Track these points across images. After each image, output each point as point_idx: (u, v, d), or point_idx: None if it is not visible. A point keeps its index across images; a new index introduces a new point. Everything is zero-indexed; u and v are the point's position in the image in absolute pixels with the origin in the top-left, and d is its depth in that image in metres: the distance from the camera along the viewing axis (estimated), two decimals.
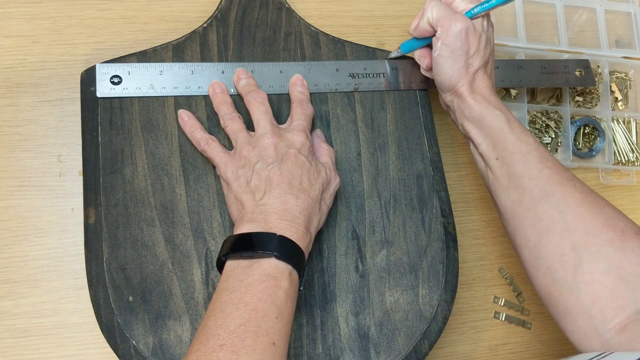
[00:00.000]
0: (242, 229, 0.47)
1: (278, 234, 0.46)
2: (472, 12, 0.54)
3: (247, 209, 0.49)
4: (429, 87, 0.62)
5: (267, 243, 0.46)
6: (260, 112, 0.54)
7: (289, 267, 0.46)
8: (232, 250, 0.46)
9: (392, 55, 0.62)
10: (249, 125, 0.55)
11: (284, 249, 0.46)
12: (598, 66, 0.72)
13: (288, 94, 0.59)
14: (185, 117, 0.56)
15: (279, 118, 0.57)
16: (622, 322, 0.43)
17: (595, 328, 0.45)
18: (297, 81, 0.58)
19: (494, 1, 0.53)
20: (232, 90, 0.57)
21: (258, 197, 0.49)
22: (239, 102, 0.57)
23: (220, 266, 0.48)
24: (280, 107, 0.58)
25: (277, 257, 0.45)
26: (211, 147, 0.53)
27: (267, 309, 0.43)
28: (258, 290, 0.44)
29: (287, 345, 0.45)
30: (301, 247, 0.47)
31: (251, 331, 0.42)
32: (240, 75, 0.57)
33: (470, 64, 0.54)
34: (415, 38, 0.58)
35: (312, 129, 0.58)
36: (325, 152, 0.55)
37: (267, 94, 0.57)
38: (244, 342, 0.41)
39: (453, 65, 0.54)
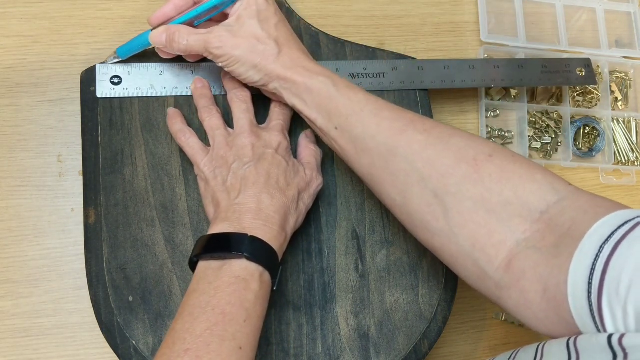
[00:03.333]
0: (216, 228, 0.47)
1: (250, 234, 0.46)
2: (186, 17, 0.52)
3: (222, 208, 0.49)
4: None
5: (238, 244, 0.45)
6: (241, 110, 0.54)
7: (260, 268, 0.45)
8: (204, 250, 0.46)
9: (109, 60, 0.57)
10: (230, 122, 0.55)
11: (255, 250, 0.45)
12: (598, 66, 0.72)
13: None
14: (172, 112, 0.55)
15: None
16: (506, 258, 0.42)
17: (483, 270, 0.43)
18: None
19: (201, 6, 0.51)
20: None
21: (233, 197, 0.49)
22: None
23: (193, 266, 0.47)
24: None
25: (248, 259, 0.45)
26: (189, 144, 0.53)
27: (235, 313, 0.43)
28: (227, 294, 0.44)
29: (256, 348, 0.44)
30: (274, 247, 0.47)
31: (217, 335, 0.42)
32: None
33: (264, 51, 0.51)
34: (134, 42, 0.55)
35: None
36: (311, 153, 0.55)
37: None
38: (209, 347, 0.41)
39: (246, 64, 0.51)
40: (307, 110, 0.51)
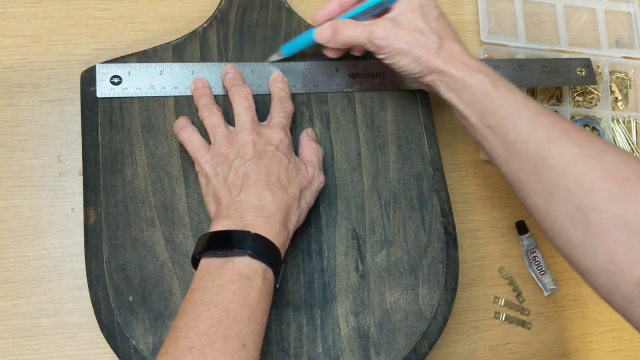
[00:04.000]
0: (218, 226, 0.47)
1: (253, 231, 0.46)
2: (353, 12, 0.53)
3: (223, 205, 0.49)
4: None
5: (241, 241, 0.45)
6: (243, 107, 0.54)
7: (263, 265, 0.45)
8: (206, 248, 0.46)
9: (273, 58, 0.59)
10: (231, 121, 0.55)
11: (258, 247, 0.45)
12: (598, 66, 0.72)
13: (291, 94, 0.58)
14: (181, 119, 0.55)
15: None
16: (639, 275, 0.43)
17: (615, 284, 0.44)
18: (278, 78, 0.58)
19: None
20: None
21: (235, 194, 0.49)
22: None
23: (195, 264, 0.47)
24: None
25: (251, 256, 0.45)
26: (190, 140, 0.53)
27: (238, 310, 0.43)
28: (230, 291, 0.43)
29: (260, 346, 0.44)
30: (277, 244, 0.47)
31: (221, 333, 0.41)
32: (228, 70, 0.57)
33: (426, 44, 0.52)
34: (298, 40, 0.57)
35: (313, 128, 0.58)
36: (312, 151, 0.55)
37: (268, 94, 0.57)
38: (213, 345, 0.41)
39: (409, 56, 0.52)
40: (461, 106, 0.52)
